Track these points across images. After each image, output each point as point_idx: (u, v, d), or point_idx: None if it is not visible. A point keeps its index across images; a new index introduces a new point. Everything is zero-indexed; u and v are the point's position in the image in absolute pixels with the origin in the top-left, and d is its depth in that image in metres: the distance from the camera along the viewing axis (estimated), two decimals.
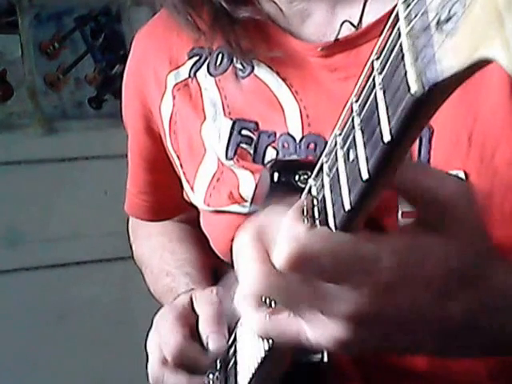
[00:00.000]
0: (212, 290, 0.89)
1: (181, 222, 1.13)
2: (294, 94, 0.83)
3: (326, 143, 0.75)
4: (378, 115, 0.41)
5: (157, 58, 0.95)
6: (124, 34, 2.66)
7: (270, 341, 0.65)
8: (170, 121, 0.94)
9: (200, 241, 1.04)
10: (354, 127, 0.45)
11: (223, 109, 0.88)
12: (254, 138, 0.85)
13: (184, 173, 0.93)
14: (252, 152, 0.85)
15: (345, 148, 0.47)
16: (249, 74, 0.86)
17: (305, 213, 0.52)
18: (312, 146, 0.81)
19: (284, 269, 0.49)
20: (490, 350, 0.59)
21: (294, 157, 0.82)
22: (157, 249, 1.11)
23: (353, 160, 0.46)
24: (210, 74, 0.89)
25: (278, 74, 0.85)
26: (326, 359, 0.70)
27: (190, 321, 0.86)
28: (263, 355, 0.68)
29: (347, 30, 0.81)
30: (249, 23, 0.86)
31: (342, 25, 0.80)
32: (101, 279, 2.54)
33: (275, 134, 0.84)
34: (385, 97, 0.41)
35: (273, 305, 0.56)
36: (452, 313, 0.52)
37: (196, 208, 0.94)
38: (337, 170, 0.48)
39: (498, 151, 0.70)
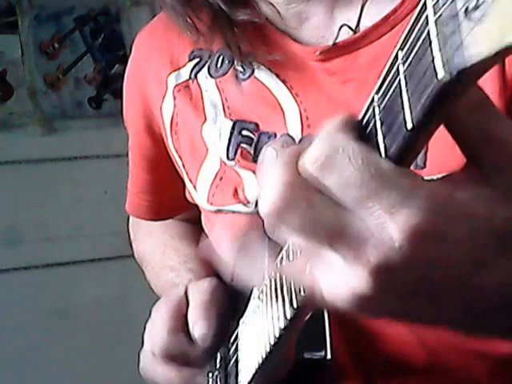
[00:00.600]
0: (206, 280, 0.88)
1: (182, 221, 1.12)
2: (293, 96, 0.84)
3: None
4: (402, 103, 0.41)
5: (158, 59, 0.95)
6: (123, 34, 2.67)
7: (276, 335, 0.62)
8: (172, 121, 0.94)
9: (202, 238, 1.03)
10: (374, 117, 0.44)
11: (224, 110, 0.88)
12: (255, 138, 0.85)
13: (187, 172, 0.93)
14: (252, 152, 0.85)
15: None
16: (249, 77, 0.87)
17: None
18: None
19: (311, 167, 0.43)
20: None
21: None
22: (159, 246, 1.10)
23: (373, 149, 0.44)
24: (211, 76, 0.90)
25: (277, 76, 0.85)
26: (329, 356, 0.69)
27: (182, 312, 0.86)
28: (267, 352, 0.66)
29: (345, 34, 0.81)
30: (248, 26, 0.86)
31: (340, 29, 0.80)
32: (100, 278, 2.54)
33: (275, 134, 0.84)
34: (409, 85, 0.40)
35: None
36: (487, 283, 0.45)
37: (197, 207, 0.95)
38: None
39: None
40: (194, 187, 0.92)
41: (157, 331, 0.86)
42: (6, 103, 2.49)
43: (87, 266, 2.54)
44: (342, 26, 0.80)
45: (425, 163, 0.71)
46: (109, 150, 2.50)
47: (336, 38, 0.81)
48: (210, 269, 0.97)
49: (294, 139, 0.82)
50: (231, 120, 0.87)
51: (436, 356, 0.75)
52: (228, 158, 0.86)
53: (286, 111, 0.83)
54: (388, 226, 0.42)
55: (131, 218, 1.19)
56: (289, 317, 0.57)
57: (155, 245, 1.11)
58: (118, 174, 2.41)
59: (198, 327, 0.83)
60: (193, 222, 1.05)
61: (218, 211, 0.88)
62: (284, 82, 0.85)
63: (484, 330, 0.52)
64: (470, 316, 0.48)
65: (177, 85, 0.92)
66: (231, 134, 0.86)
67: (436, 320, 0.49)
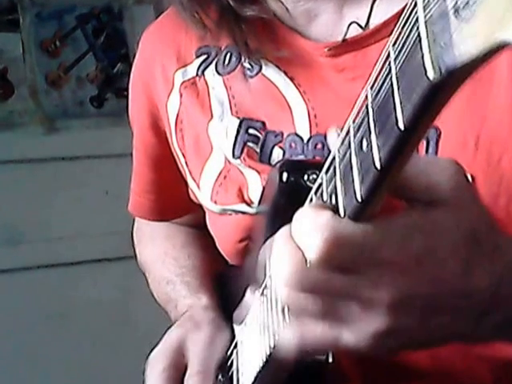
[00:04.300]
0: (202, 331, 0.89)
1: (187, 226, 1.11)
2: (301, 93, 0.84)
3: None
4: (394, 102, 0.41)
5: (164, 56, 0.95)
6: (126, 32, 2.66)
7: (274, 342, 0.64)
8: (177, 118, 0.94)
9: (205, 245, 1.04)
10: (368, 115, 0.45)
11: (230, 107, 0.88)
12: (261, 137, 0.85)
13: (190, 171, 0.93)
14: (258, 151, 0.85)
15: (358, 137, 0.47)
16: (257, 74, 0.87)
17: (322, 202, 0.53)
18: (319, 146, 0.81)
19: (319, 259, 0.48)
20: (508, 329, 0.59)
21: (302, 157, 0.82)
22: (160, 254, 1.09)
23: (366, 149, 0.46)
24: (218, 73, 0.90)
25: (285, 73, 0.85)
26: (330, 360, 0.70)
27: (179, 367, 0.87)
28: (267, 355, 0.68)
29: (354, 31, 0.81)
30: (255, 22, 0.86)
31: (349, 26, 0.80)
32: (101, 279, 2.54)
33: (282, 134, 0.84)
34: (400, 83, 0.41)
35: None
36: (479, 282, 0.52)
37: (202, 209, 0.94)
38: (349, 160, 0.48)
39: (506, 155, 0.71)
40: (198, 186, 0.92)
41: None
42: (7, 102, 2.49)
43: (88, 267, 2.52)
44: (351, 24, 0.80)
45: (436, 151, 0.73)
46: (110, 150, 2.50)
47: (345, 35, 0.81)
48: (207, 280, 0.99)
49: (302, 138, 0.83)
50: (238, 118, 0.87)
51: (439, 359, 0.76)
52: (234, 156, 0.86)
53: (294, 109, 0.84)
54: (397, 263, 0.49)
55: (136, 223, 1.19)
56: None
57: (156, 253, 1.10)
58: (119, 173, 2.42)
59: None
60: (199, 227, 1.04)
61: (222, 212, 0.88)
62: (292, 79, 0.85)
63: (487, 329, 0.56)
64: (473, 318, 0.54)
65: (184, 81, 0.93)
66: (238, 132, 0.87)
67: (449, 332, 0.55)
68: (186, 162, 0.94)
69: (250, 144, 0.86)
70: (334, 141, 0.55)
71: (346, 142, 0.50)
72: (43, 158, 2.51)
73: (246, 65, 0.88)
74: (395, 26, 0.74)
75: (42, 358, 2.42)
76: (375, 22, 0.80)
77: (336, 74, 0.81)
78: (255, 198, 0.85)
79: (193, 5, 0.88)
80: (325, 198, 0.53)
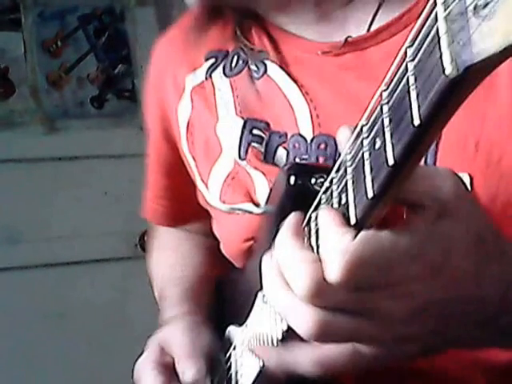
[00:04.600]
0: (181, 326, 0.92)
1: (196, 233, 1.13)
2: (304, 94, 0.84)
3: (336, 144, 0.74)
4: (410, 100, 0.42)
5: (175, 63, 0.98)
6: (127, 33, 2.66)
7: (279, 337, 0.65)
8: (188, 123, 0.96)
9: (209, 252, 1.08)
10: (382, 115, 0.46)
11: (235, 108, 0.90)
12: (265, 137, 0.86)
13: (199, 173, 0.95)
14: (263, 151, 0.86)
15: (371, 137, 0.48)
16: (262, 75, 0.88)
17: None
18: (323, 146, 0.82)
19: (342, 281, 0.50)
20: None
21: (306, 157, 0.83)
22: (164, 264, 1.13)
23: (379, 147, 0.46)
24: (226, 76, 0.92)
25: (289, 74, 0.86)
26: None
27: (166, 363, 0.89)
28: (259, 370, 0.69)
29: (356, 32, 0.83)
30: (260, 25, 0.89)
31: (346, 40, 0.82)
32: (99, 279, 2.54)
33: (286, 134, 0.85)
34: (417, 81, 0.42)
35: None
36: (489, 286, 0.54)
37: (210, 216, 0.96)
38: (361, 158, 0.49)
39: (505, 156, 0.71)
40: (206, 186, 0.93)
41: None
42: (8, 101, 2.48)
43: (87, 267, 2.53)
44: (347, 38, 0.82)
45: (435, 164, 0.74)
46: (110, 151, 2.53)
47: (348, 36, 0.82)
48: (202, 290, 1.02)
49: (305, 138, 0.83)
50: (242, 118, 0.88)
51: (432, 361, 0.75)
52: (240, 157, 0.88)
53: (297, 110, 0.85)
54: (409, 283, 0.51)
55: (149, 230, 1.21)
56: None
57: (161, 262, 1.14)
58: (118, 174, 2.54)
59: (188, 375, 0.86)
60: (206, 234, 1.06)
61: (230, 211, 0.89)
62: (295, 80, 0.86)
63: (491, 338, 0.58)
64: (482, 323, 0.56)
65: (194, 87, 0.95)
66: (242, 132, 0.88)
67: (460, 338, 0.57)
68: (196, 165, 0.95)
69: (254, 144, 0.87)
70: (344, 140, 0.54)
71: (358, 141, 0.51)
72: (43, 158, 2.51)
73: (253, 67, 0.89)
74: (395, 29, 0.80)
75: (39, 358, 2.42)
76: (375, 25, 0.82)
77: (339, 73, 0.83)
78: (261, 199, 0.85)
79: (202, 17, 0.92)
80: (334, 196, 0.54)
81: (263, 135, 0.87)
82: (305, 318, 0.53)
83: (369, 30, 0.82)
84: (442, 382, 0.78)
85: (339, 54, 0.83)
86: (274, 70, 0.88)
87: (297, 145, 0.84)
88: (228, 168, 0.90)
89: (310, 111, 0.84)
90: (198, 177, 0.96)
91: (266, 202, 0.84)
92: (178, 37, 1.00)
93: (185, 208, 1.09)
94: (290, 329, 0.61)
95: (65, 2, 2.58)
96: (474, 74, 0.38)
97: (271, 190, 0.83)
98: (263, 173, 0.86)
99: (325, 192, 0.57)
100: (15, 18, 2.50)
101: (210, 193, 0.93)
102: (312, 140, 0.83)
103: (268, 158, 0.86)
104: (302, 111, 0.84)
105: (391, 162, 0.45)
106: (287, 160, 0.85)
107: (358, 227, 0.50)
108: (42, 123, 2.52)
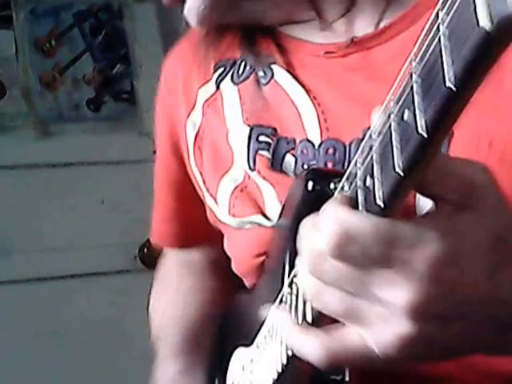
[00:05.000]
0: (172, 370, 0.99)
1: (202, 263, 1.15)
2: (312, 98, 0.86)
3: (345, 148, 0.82)
4: (442, 60, 0.42)
5: (186, 77, 1.01)
6: (126, 31, 2.66)
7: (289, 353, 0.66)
8: (196, 136, 0.98)
9: (212, 291, 1.11)
10: (412, 82, 0.46)
11: (242, 116, 0.92)
12: (272, 143, 0.88)
13: (207, 188, 0.96)
14: (270, 157, 0.88)
15: (398, 109, 0.48)
16: (269, 81, 0.90)
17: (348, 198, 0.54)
18: (331, 151, 0.84)
19: (329, 253, 0.51)
20: None
21: (313, 163, 0.85)
22: (161, 301, 1.15)
23: (408, 118, 0.46)
24: (234, 83, 0.94)
25: (296, 78, 0.88)
26: (347, 378, 0.69)
27: None
28: (279, 372, 0.70)
29: (362, 32, 0.85)
30: (265, 30, 0.92)
31: (352, 40, 0.85)
32: (96, 294, 2.52)
33: (294, 140, 0.87)
34: (450, 39, 0.42)
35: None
36: (505, 289, 0.53)
37: (221, 236, 0.98)
38: (388, 133, 0.49)
39: None
40: (215, 200, 0.95)
41: None
42: None
43: (82, 281, 2.51)
44: (353, 38, 0.85)
45: (447, 151, 0.75)
46: (107, 157, 2.52)
47: (354, 37, 0.85)
48: (198, 332, 1.05)
49: (313, 144, 0.85)
50: (248, 125, 0.90)
51: (433, 365, 0.75)
52: (250, 167, 0.90)
53: (304, 115, 0.86)
54: (412, 263, 0.50)
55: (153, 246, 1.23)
56: None
57: (162, 303, 1.15)
58: (116, 182, 2.53)
59: None
60: (217, 260, 1.10)
61: (240, 224, 0.91)
62: (302, 84, 0.87)
63: (507, 345, 0.57)
64: (492, 331, 0.55)
65: (206, 100, 0.97)
66: (249, 140, 0.90)
67: (475, 344, 0.56)
68: (203, 180, 0.97)
69: (261, 152, 0.89)
70: (375, 119, 0.53)
71: (385, 116, 0.50)
72: (36, 164, 2.49)
73: (260, 73, 0.91)
74: (401, 26, 0.81)
75: (31, 378, 2.40)
76: (381, 25, 0.84)
77: (346, 74, 0.84)
78: (271, 212, 0.87)
79: (211, 31, 0.96)
80: (359, 178, 0.53)
81: (270, 141, 0.88)
82: (304, 284, 0.56)
83: (376, 29, 0.84)
84: None
85: (345, 54, 0.85)
86: (281, 75, 0.89)
87: (305, 151, 0.85)
88: (238, 180, 0.91)
89: (318, 115, 0.85)
90: (206, 193, 0.97)
91: (280, 214, 0.85)
92: (188, 50, 1.02)
93: (195, 230, 1.11)
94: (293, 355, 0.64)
95: None
96: (508, 28, 0.38)
97: (286, 199, 0.83)
98: (272, 184, 0.87)
99: (347, 178, 0.57)
100: (6, 15, 2.49)
101: (219, 207, 0.94)
102: (320, 145, 0.84)
103: (276, 164, 0.88)
104: (309, 116, 0.86)
105: (423, 130, 0.44)
106: (295, 167, 0.86)
107: (386, 211, 0.50)
108: (34, 127, 2.51)
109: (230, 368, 0.93)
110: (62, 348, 2.43)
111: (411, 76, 0.46)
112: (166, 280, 1.17)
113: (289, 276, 0.71)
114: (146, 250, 2.47)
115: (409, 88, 0.46)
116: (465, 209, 0.51)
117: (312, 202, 0.72)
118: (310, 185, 0.73)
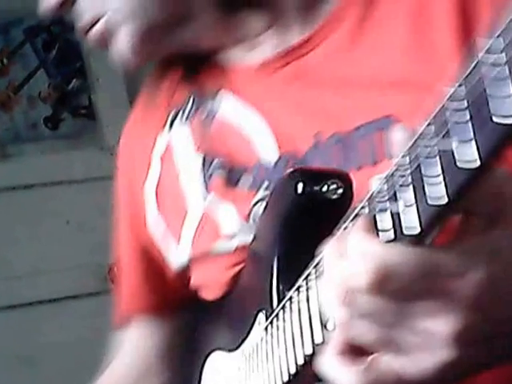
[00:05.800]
0: None
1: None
2: (262, 117, 0.88)
3: (301, 160, 0.82)
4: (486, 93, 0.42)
5: (141, 137, 1.03)
6: (80, 44, 2.57)
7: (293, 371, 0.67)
8: (157, 187, 0.99)
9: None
10: (457, 111, 0.45)
11: (194, 146, 0.93)
12: (227, 167, 0.89)
13: (171, 232, 0.96)
14: (226, 175, 0.88)
15: (440, 135, 0.47)
16: (215, 114, 0.92)
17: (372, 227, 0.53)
18: (290, 164, 0.84)
19: (367, 290, 0.51)
20: None
21: (272, 178, 0.84)
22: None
23: (456, 145, 0.45)
24: (185, 120, 0.96)
25: (243, 102, 0.90)
26: None
27: None
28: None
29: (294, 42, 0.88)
30: (207, 64, 0.95)
31: (285, 52, 0.87)
32: (68, 319, 2.49)
33: (246, 169, 0.87)
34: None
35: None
36: None
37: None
38: (427, 161, 0.48)
39: None
40: (178, 241, 0.95)
41: None
42: None
43: (52, 306, 2.48)
44: (293, 46, 0.88)
45: None
46: (69, 176, 2.51)
47: (287, 47, 0.87)
48: None
49: (266, 167, 0.86)
50: (201, 154, 0.92)
51: None
52: (206, 189, 0.90)
53: (256, 139, 0.87)
54: (457, 292, 0.50)
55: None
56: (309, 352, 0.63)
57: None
58: (80, 201, 2.49)
59: None
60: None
61: (203, 257, 0.92)
62: (249, 106, 0.90)
63: None
64: None
65: (162, 154, 0.99)
66: (203, 165, 0.91)
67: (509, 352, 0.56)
68: (167, 225, 0.97)
69: (216, 172, 0.89)
70: (399, 141, 0.52)
71: (422, 143, 0.49)
72: None
73: (208, 105, 0.94)
74: (329, 29, 0.84)
75: None
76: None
77: (286, 86, 0.87)
78: (229, 230, 0.87)
79: (154, 77, 1.00)
80: (388, 206, 0.52)
81: (224, 165, 0.89)
82: (334, 313, 0.56)
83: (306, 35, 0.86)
84: None
85: (282, 66, 0.87)
86: (227, 103, 0.92)
87: (261, 171, 0.86)
88: (197, 218, 0.92)
89: (272, 132, 0.86)
90: (170, 236, 0.97)
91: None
92: (139, 113, 1.06)
93: (166, 293, 1.09)
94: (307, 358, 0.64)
95: (8, 15, 2.55)
96: None
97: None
98: (230, 201, 0.88)
99: (369, 203, 0.56)
100: None
101: (181, 245, 0.94)
102: (277, 161, 0.85)
103: (231, 182, 0.88)
104: (263, 136, 0.87)
105: (475, 160, 0.44)
106: (253, 183, 0.86)
107: (422, 238, 0.50)
108: None
109: (204, 370, 0.92)
110: (36, 376, 2.41)
111: (451, 105, 0.46)
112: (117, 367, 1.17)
113: (278, 285, 0.72)
114: (116, 269, 2.40)
115: (453, 115, 0.46)
116: (496, 222, 0.52)
117: (304, 206, 0.72)
118: (300, 187, 0.72)
